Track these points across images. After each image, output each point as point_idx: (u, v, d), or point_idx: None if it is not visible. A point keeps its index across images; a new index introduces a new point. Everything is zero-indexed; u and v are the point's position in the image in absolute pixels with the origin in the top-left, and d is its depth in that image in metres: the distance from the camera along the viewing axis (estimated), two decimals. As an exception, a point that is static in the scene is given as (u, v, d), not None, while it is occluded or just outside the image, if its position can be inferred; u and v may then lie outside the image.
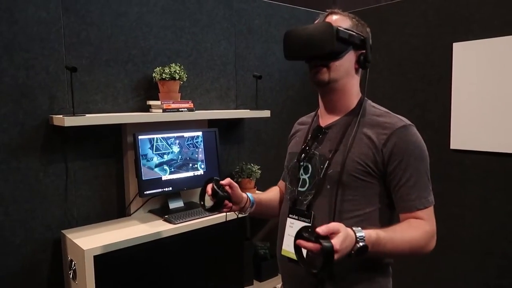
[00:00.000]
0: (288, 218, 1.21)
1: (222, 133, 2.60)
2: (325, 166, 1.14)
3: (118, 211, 2.22)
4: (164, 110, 2.15)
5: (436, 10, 2.47)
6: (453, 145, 2.43)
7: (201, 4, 2.47)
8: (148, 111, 2.26)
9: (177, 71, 2.20)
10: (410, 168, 1.09)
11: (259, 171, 2.64)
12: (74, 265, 1.85)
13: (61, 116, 1.84)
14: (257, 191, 2.61)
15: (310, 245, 0.89)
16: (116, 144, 2.19)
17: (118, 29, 2.14)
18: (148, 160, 2.14)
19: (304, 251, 0.94)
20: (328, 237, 0.89)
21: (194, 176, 2.34)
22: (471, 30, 2.32)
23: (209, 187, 1.22)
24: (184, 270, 2.15)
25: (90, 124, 1.96)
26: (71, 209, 2.06)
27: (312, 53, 1.12)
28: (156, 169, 2.17)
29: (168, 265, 2.08)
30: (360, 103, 1.19)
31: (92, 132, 2.09)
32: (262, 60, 2.82)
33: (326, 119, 1.23)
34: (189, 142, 2.32)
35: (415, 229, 1.07)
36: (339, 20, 1.15)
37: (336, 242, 0.88)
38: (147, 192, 2.14)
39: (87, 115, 1.95)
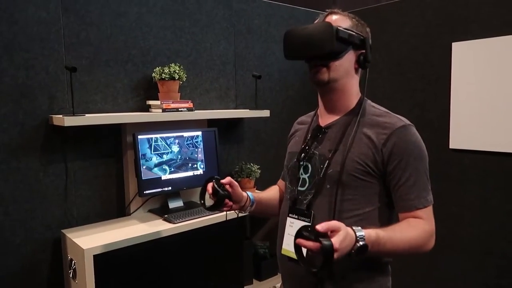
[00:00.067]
0: (288, 218, 1.21)
1: (222, 133, 2.60)
2: (325, 166, 1.15)
3: (118, 210, 2.22)
4: (164, 110, 2.15)
5: (435, 10, 2.48)
6: (452, 145, 2.43)
7: (201, 4, 2.47)
8: (147, 111, 2.26)
9: (177, 71, 2.20)
10: (409, 167, 1.10)
11: (259, 171, 2.64)
12: (74, 265, 1.85)
13: (61, 116, 1.84)
14: (256, 191, 2.61)
15: (310, 244, 0.89)
16: (116, 144, 2.19)
17: (117, 29, 2.15)
18: (147, 160, 2.14)
19: (304, 250, 0.94)
20: (328, 236, 0.90)
21: (194, 175, 2.34)
22: (470, 30, 2.32)
23: (209, 186, 1.22)
24: (183, 270, 2.16)
25: (90, 124, 1.96)
26: (71, 208, 2.06)
27: (312, 53, 1.13)
28: (156, 169, 2.17)
29: (167, 265, 2.09)
30: (360, 103, 1.19)
31: (92, 132, 2.10)
32: (261, 60, 2.82)
33: (325, 119, 1.23)
34: (188, 142, 2.33)
35: (415, 229, 1.08)
36: (339, 20, 1.16)
37: (336, 241, 0.88)
38: (147, 191, 2.14)
39: (87, 115, 1.95)
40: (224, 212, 1.31)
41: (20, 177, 1.90)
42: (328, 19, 1.17)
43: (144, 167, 2.12)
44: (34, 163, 1.93)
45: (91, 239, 1.86)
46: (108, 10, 2.11)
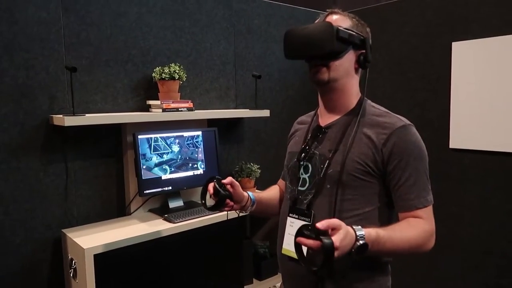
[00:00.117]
0: (288, 217, 1.21)
1: (222, 132, 2.61)
2: (325, 166, 1.15)
3: (118, 210, 2.23)
4: (164, 110, 2.15)
5: (435, 9, 2.48)
6: (452, 144, 2.44)
7: (201, 4, 2.47)
8: (147, 110, 2.26)
9: (177, 71, 2.20)
10: (409, 167, 1.10)
11: (259, 171, 2.64)
12: (75, 264, 1.86)
13: (61, 116, 1.85)
14: (256, 190, 2.61)
15: (310, 242, 0.89)
16: (116, 143, 2.20)
17: (117, 29, 2.15)
18: (147, 160, 2.14)
19: (305, 249, 0.94)
20: (328, 234, 0.90)
21: (194, 175, 2.34)
22: (470, 30, 2.32)
23: (210, 186, 1.22)
24: (184, 269, 2.16)
25: (90, 124, 1.96)
26: (71, 208, 2.06)
27: (312, 53, 1.13)
28: (156, 169, 2.17)
29: (168, 264, 2.09)
30: (360, 103, 1.19)
31: (92, 132, 2.10)
32: (261, 59, 2.82)
33: (325, 119, 1.23)
34: (188, 142, 2.33)
35: (414, 228, 1.08)
36: (339, 20, 1.16)
37: (336, 239, 0.88)
38: (147, 191, 2.15)
39: (87, 115, 1.95)
40: (225, 212, 1.31)
41: (20, 177, 1.90)
42: (328, 19, 1.17)
43: (144, 167, 2.13)
44: (34, 163, 1.94)
45: (91, 239, 1.86)
46: (108, 10, 2.11)
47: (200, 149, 2.37)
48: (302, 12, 3.03)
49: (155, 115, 2.11)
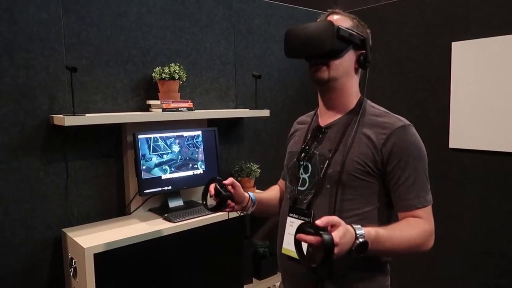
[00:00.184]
0: (288, 217, 1.21)
1: (222, 132, 2.61)
2: (325, 166, 1.15)
3: (118, 209, 2.23)
4: (164, 110, 2.15)
5: (435, 9, 2.48)
6: (452, 144, 2.44)
7: (201, 4, 2.48)
8: (147, 110, 2.26)
9: (177, 71, 2.20)
10: (409, 167, 1.10)
11: (259, 170, 2.65)
12: (75, 263, 1.86)
13: (61, 115, 1.85)
14: (256, 190, 2.62)
15: (310, 238, 0.89)
16: (116, 143, 2.20)
17: (118, 29, 2.15)
18: (147, 161, 2.14)
19: (305, 248, 0.94)
20: (328, 231, 0.90)
21: (194, 175, 2.35)
22: (470, 30, 2.33)
23: (211, 187, 1.23)
24: (183, 268, 2.16)
25: (90, 124, 1.96)
26: (72, 208, 2.06)
27: (312, 51, 1.13)
28: (156, 169, 2.18)
29: (168, 263, 2.09)
30: (360, 103, 1.20)
31: (92, 132, 2.10)
32: (261, 59, 2.83)
33: (325, 119, 1.24)
34: (189, 142, 2.33)
35: (414, 228, 1.08)
36: (340, 20, 1.16)
37: (336, 235, 0.89)
38: (147, 191, 2.15)
39: (87, 114, 1.95)
40: (226, 213, 1.31)
41: (20, 177, 1.90)
42: (329, 18, 1.18)
43: (144, 167, 2.13)
44: (34, 162, 1.94)
45: (91, 238, 1.86)
46: (108, 10, 2.11)
47: (200, 150, 2.37)
48: (302, 12, 3.03)
49: (155, 115, 2.12)
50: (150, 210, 2.29)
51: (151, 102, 2.24)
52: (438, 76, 2.49)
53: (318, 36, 1.10)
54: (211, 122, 2.52)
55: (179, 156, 2.28)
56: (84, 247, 1.75)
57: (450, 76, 2.42)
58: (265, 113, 2.63)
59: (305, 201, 1.18)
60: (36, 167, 1.94)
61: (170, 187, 2.24)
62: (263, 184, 2.61)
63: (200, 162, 2.38)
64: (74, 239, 1.86)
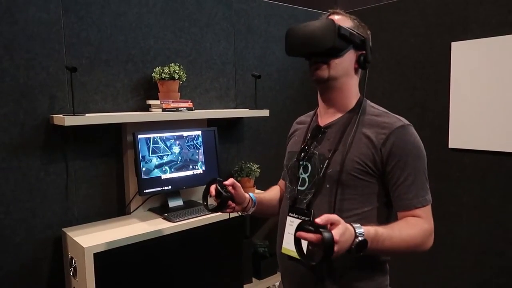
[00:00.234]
0: (288, 217, 1.22)
1: (222, 132, 2.61)
2: (324, 166, 1.15)
3: (118, 209, 2.23)
4: (164, 110, 2.16)
5: (435, 9, 2.48)
6: (452, 144, 2.44)
7: (200, 4, 2.48)
8: (147, 110, 2.27)
9: (177, 71, 2.21)
10: (408, 167, 1.10)
11: (258, 170, 2.65)
12: (75, 263, 1.86)
13: (61, 115, 1.85)
14: (256, 190, 2.62)
15: (310, 235, 0.89)
16: (116, 143, 2.20)
17: (117, 29, 2.15)
18: (146, 162, 2.15)
19: (304, 246, 0.95)
20: (327, 228, 0.90)
21: (194, 175, 2.35)
22: (470, 30, 2.33)
23: (212, 188, 1.23)
24: (183, 268, 2.16)
25: (90, 124, 1.96)
26: (72, 207, 2.07)
27: (313, 49, 1.13)
28: (156, 170, 2.18)
29: (167, 263, 2.09)
30: (359, 103, 1.20)
31: (92, 132, 2.10)
32: (261, 59, 2.83)
33: (325, 119, 1.24)
34: (189, 143, 2.33)
35: (413, 227, 1.08)
36: (341, 20, 1.17)
37: (336, 232, 0.89)
38: (147, 190, 2.15)
39: (87, 114, 1.95)
40: (226, 213, 1.31)
41: (21, 176, 1.91)
42: (330, 18, 1.18)
43: (144, 169, 2.13)
44: (35, 162, 1.94)
45: (91, 238, 1.86)
46: (108, 10, 2.11)
47: (200, 151, 2.38)
48: (302, 12, 3.03)
49: (155, 114, 2.12)
50: (150, 210, 2.29)
51: (151, 102, 2.25)
52: (438, 76, 2.49)
53: (319, 34, 1.11)
54: (211, 122, 2.52)
55: (179, 158, 2.28)
56: (84, 246, 1.75)
57: (450, 76, 2.42)
58: (265, 113, 2.63)
59: (305, 201, 1.18)
60: (36, 166, 1.95)
61: (170, 187, 2.24)
62: (263, 184, 2.61)
63: (200, 163, 2.38)
64: (74, 238, 1.86)
